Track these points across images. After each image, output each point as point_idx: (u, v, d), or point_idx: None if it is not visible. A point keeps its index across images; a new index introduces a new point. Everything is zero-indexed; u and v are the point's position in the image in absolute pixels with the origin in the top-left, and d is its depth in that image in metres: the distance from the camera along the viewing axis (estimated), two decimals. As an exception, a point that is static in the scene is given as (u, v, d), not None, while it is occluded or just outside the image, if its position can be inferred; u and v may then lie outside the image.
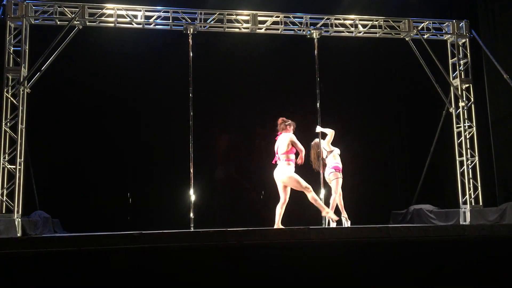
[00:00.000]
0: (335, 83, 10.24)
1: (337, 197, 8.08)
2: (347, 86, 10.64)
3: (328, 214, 7.41)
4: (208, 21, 8.86)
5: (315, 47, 8.96)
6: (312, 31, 9.05)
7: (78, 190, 9.30)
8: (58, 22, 8.42)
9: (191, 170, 8.26)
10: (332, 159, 8.20)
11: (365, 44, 10.04)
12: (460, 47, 9.53)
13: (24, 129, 8.00)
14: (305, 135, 8.24)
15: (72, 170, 9.42)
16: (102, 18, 8.58)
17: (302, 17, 9.13)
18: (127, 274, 5.15)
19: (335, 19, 9.21)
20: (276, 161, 7.46)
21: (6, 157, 7.83)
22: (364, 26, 9.33)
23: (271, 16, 9.05)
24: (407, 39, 9.44)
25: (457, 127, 9.48)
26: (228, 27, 8.98)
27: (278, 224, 7.38)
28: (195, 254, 5.43)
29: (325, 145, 8.25)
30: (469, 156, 9.27)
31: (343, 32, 9.31)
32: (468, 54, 9.50)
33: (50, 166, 9.17)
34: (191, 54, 8.61)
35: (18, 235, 7.21)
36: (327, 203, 8.00)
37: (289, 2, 9.72)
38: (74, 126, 9.47)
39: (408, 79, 10.82)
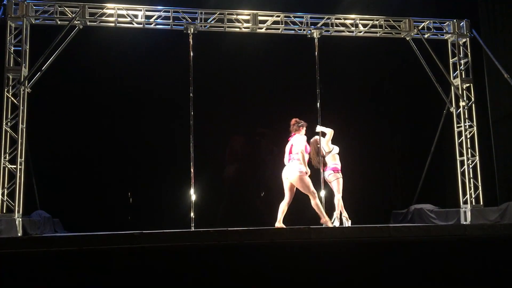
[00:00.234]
0: (336, 83, 10.24)
1: (338, 197, 8.08)
2: (348, 86, 10.63)
3: (327, 223, 7.55)
4: (209, 20, 8.86)
5: (315, 46, 8.97)
6: (312, 31, 9.05)
7: (78, 190, 9.30)
8: (59, 22, 8.42)
9: (192, 170, 8.26)
10: (331, 160, 8.19)
11: (366, 43, 10.04)
12: (461, 47, 9.53)
13: (24, 129, 8.01)
14: (305, 134, 8.22)
15: (73, 170, 9.42)
16: (103, 18, 8.58)
17: (302, 17, 9.13)
18: (128, 274, 5.14)
19: (336, 18, 9.21)
20: (289, 160, 7.53)
21: (7, 157, 7.82)
22: (364, 25, 9.33)
23: (272, 16, 9.05)
24: (407, 38, 9.44)
25: (458, 127, 9.48)
26: (228, 27, 8.98)
27: (279, 221, 7.44)
28: (195, 253, 5.43)
29: (324, 144, 8.25)
30: (469, 155, 9.27)
31: (343, 31, 9.30)
32: (469, 53, 9.50)
33: (50, 166, 9.17)
34: (191, 54, 8.62)
35: (19, 234, 7.21)
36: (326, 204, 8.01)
37: (289, 2, 9.72)
38: (74, 126, 9.47)
39: (409, 79, 10.81)
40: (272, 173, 8.97)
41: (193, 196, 8.28)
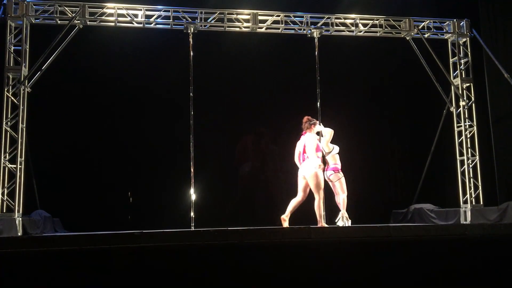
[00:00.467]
0: (335, 82, 10.23)
1: (343, 196, 8.07)
2: (348, 85, 10.63)
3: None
4: (209, 20, 8.86)
5: (315, 46, 8.97)
6: (312, 30, 9.05)
7: (78, 190, 9.29)
8: (59, 22, 8.42)
9: (192, 169, 8.27)
10: (331, 160, 8.17)
11: (366, 43, 10.04)
12: (461, 46, 9.53)
13: (24, 129, 8.01)
14: (306, 134, 8.23)
15: (73, 169, 9.41)
16: (103, 18, 8.58)
17: (302, 16, 9.13)
18: (128, 273, 5.15)
19: (336, 18, 9.21)
20: (303, 160, 7.66)
21: (7, 157, 7.82)
22: (364, 25, 9.32)
23: (272, 15, 9.05)
24: (407, 38, 9.44)
25: (458, 126, 9.48)
26: (228, 26, 8.98)
27: (287, 215, 7.61)
28: (196, 253, 5.43)
29: (324, 145, 8.23)
30: (469, 155, 9.27)
31: (343, 31, 9.30)
32: (469, 53, 9.50)
33: (50, 165, 9.16)
34: (191, 54, 8.62)
35: (19, 234, 7.22)
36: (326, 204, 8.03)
37: (289, 1, 9.72)
38: (74, 126, 9.46)
39: (409, 78, 10.81)
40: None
41: (193, 196, 8.29)
